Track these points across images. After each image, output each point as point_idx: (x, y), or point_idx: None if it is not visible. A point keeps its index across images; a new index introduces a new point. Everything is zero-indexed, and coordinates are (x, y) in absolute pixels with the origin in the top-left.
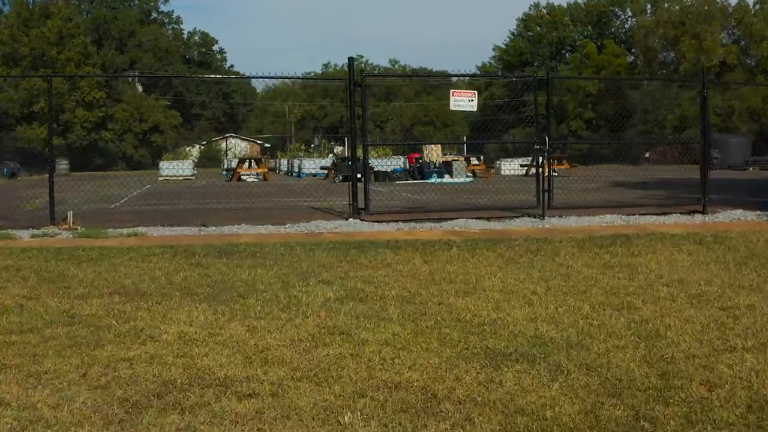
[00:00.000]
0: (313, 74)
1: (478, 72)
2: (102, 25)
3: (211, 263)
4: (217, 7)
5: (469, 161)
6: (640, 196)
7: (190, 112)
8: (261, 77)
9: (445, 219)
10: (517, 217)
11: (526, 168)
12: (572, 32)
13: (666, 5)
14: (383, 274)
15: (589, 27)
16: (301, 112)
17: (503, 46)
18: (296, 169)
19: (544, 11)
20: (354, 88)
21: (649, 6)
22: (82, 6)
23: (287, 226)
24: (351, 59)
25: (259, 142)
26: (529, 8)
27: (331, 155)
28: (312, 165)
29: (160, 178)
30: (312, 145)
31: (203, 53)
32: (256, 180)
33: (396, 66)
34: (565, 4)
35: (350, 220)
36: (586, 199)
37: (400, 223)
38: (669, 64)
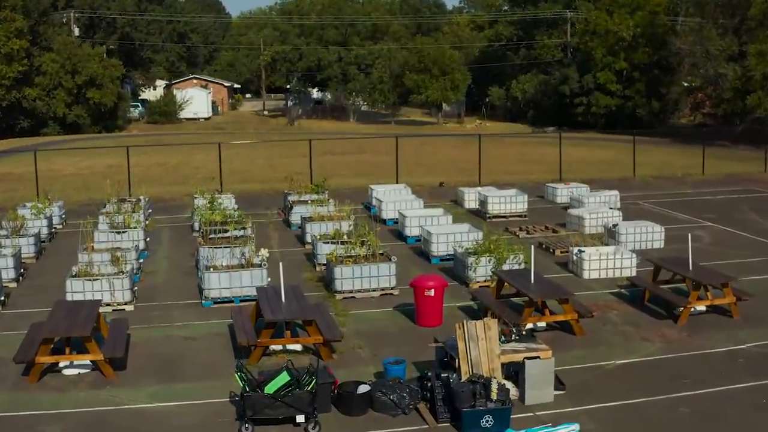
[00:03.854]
0: None
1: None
2: None
3: None
4: None
5: (545, 306)
6: None
7: (139, 56)
8: None
9: None
10: None
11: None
12: None
13: None
14: None
15: None
16: (271, 53)
17: None
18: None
19: None
20: None
21: None
22: None
23: None
24: None
25: (226, 84)
26: None
27: (264, 251)
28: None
29: None
30: (287, 87)
31: None
32: (87, 371)
33: None
34: None
35: None
36: None
37: None
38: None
